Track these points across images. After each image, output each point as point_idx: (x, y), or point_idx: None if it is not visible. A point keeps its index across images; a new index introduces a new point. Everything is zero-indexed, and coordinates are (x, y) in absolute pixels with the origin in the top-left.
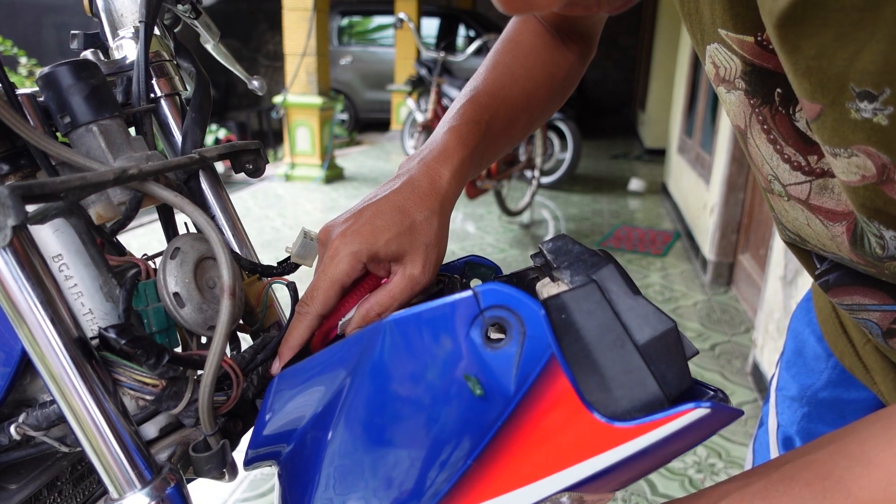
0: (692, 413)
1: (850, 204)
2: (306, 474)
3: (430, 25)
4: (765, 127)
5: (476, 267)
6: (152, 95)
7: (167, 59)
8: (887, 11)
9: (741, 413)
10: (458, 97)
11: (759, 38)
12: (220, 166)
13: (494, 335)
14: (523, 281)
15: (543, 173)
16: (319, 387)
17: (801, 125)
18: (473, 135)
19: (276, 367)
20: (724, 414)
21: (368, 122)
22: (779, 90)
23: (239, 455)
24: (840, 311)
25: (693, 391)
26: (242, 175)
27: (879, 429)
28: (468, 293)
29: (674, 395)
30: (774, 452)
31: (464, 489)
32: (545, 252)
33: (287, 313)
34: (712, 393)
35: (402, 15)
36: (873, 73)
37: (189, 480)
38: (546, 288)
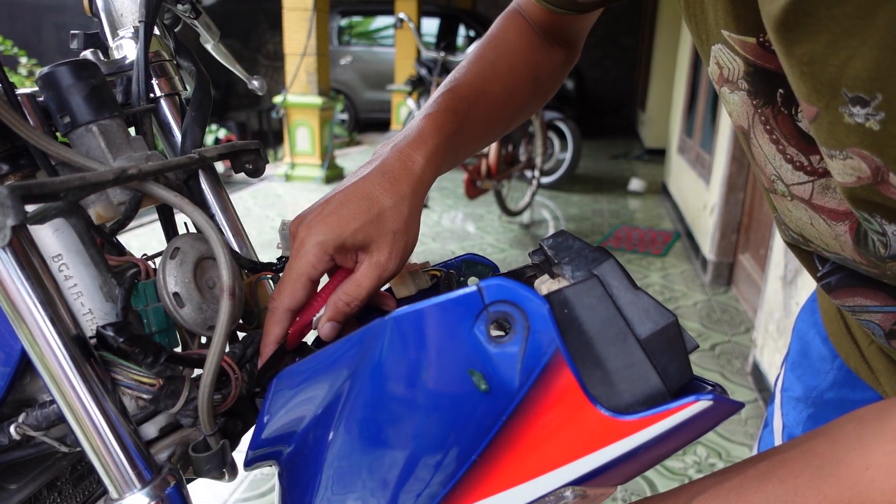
0: (694, 406)
1: (849, 203)
2: (307, 475)
3: (430, 25)
4: (767, 127)
5: (473, 265)
6: (152, 95)
7: (167, 58)
8: (879, 19)
9: (742, 405)
10: (438, 88)
11: (760, 39)
12: (220, 166)
13: (494, 332)
14: (521, 278)
15: (543, 173)
16: (320, 386)
17: (802, 125)
18: (450, 122)
19: (259, 363)
20: (725, 406)
21: (368, 122)
22: (781, 91)
23: (239, 455)
24: (844, 311)
25: (693, 385)
26: (242, 175)
27: (851, 429)
28: (472, 288)
29: (675, 389)
30: None
31: (469, 484)
32: (546, 248)
33: None
34: (711, 387)
35: (402, 15)
36: (865, 79)
37: (189, 480)
38: (545, 284)
